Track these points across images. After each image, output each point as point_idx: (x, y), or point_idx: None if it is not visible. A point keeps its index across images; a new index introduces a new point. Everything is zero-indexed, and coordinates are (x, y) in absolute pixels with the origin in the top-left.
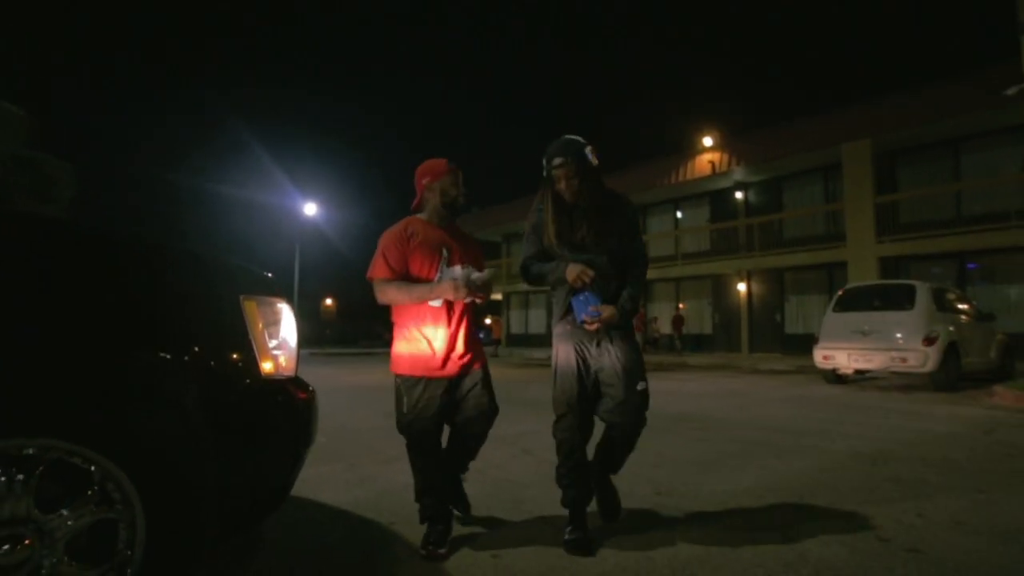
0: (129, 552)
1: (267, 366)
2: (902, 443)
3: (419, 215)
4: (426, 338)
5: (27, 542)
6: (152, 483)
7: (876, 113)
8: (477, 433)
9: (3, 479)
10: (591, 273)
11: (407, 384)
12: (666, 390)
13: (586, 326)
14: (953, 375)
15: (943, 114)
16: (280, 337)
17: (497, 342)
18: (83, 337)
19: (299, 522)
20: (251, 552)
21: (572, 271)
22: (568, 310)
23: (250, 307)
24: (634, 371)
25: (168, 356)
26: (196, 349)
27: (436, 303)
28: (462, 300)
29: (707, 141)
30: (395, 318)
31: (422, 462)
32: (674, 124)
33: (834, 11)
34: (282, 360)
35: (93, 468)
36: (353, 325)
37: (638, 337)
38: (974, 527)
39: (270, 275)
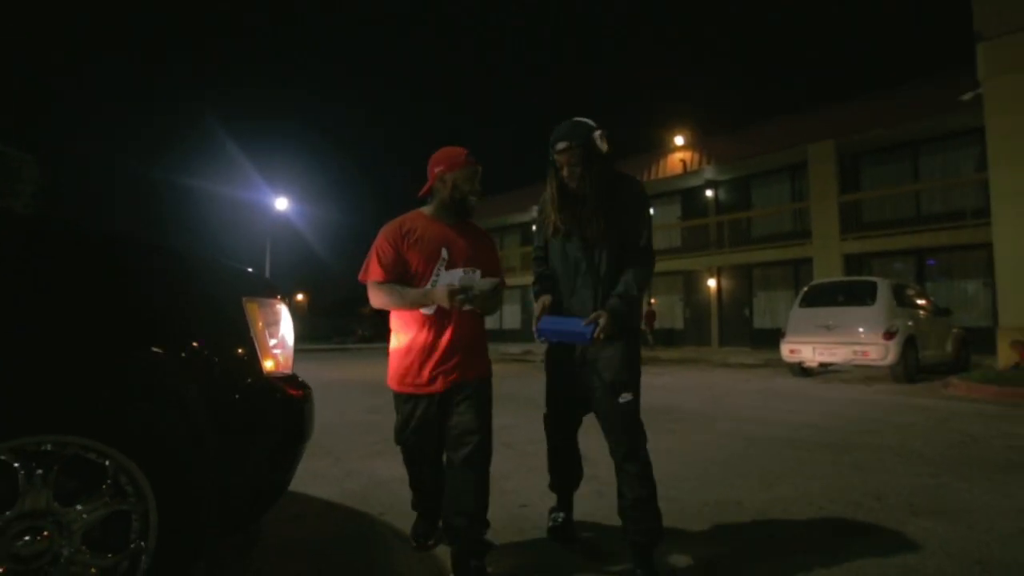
0: (142, 543)
1: (268, 364)
2: (863, 432)
3: (424, 208)
4: (415, 349)
5: (46, 534)
6: (164, 476)
7: (840, 116)
8: (462, 462)
9: (23, 474)
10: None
11: (398, 401)
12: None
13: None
14: (912, 368)
15: (903, 117)
16: (279, 336)
17: None
18: (97, 337)
19: (292, 516)
20: (247, 546)
21: (538, 305)
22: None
23: (252, 308)
24: (617, 381)
25: (177, 355)
26: (203, 349)
27: (428, 310)
28: (456, 309)
29: (679, 140)
30: (391, 325)
31: (416, 472)
32: (647, 124)
33: (802, 18)
34: (281, 359)
35: (107, 463)
36: (325, 321)
37: (649, 337)
38: (926, 508)
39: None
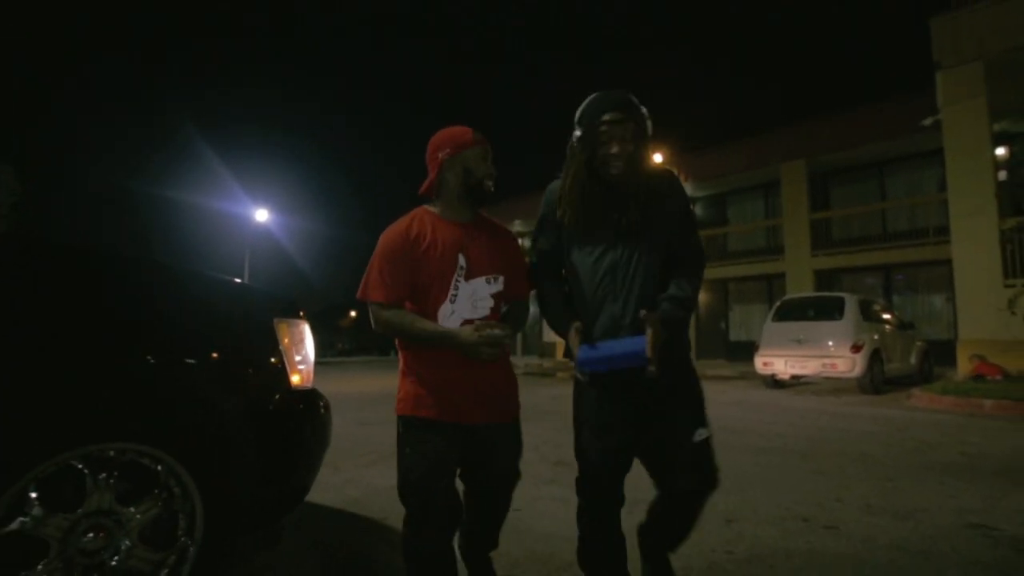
0: (187, 539)
1: (295, 379)
2: (828, 440)
3: (430, 206)
4: (449, 363)
5: (107, 531)
6: (209, 479)
7: (810, 136)
8: (501, 502)
9: (90, 477)
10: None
11: (411, 427)
12: None
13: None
14: (878, 379)
15: (870, 139)
16: (303, 353)
17: None
18: (153, 355)
19: (297, 520)
20: (256, 551)
21: (572, 335)
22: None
23: (281, 327)
24: (690, 414)
25: (220, 371)
26: (242, 365)
27: (453, 322)
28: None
29: (657, 157)
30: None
31: (427, 536)
32: None
33: (775, 40)
34: (305, 373)
35: (159, 467)
36: None
37: None
38: (881, 508)
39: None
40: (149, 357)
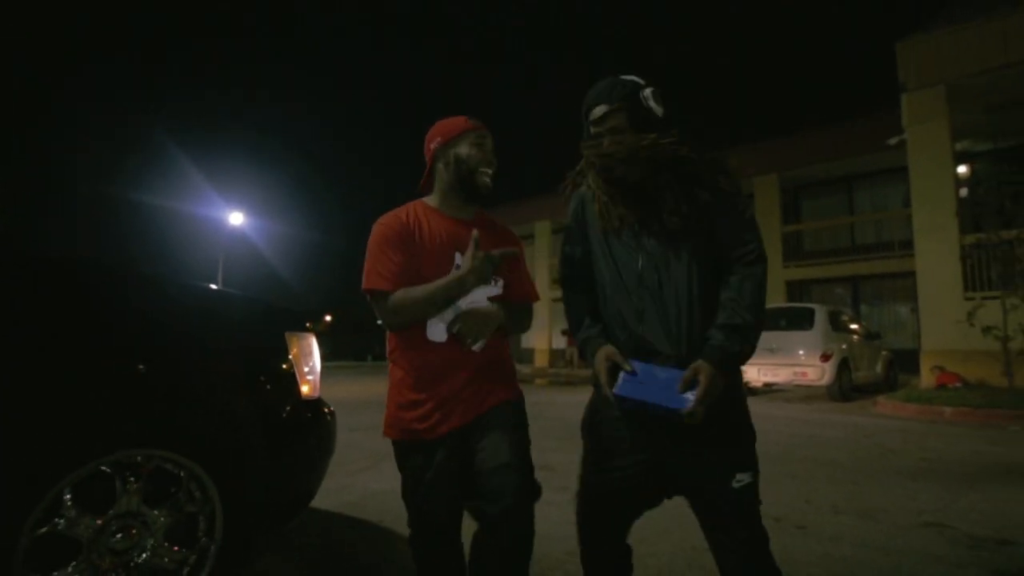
0: (207, 539)
1: (304, 389)
2: (799, 446)
3: (426, 199)
4: (421, 380)
5: (135, 531)
6: (228, 484)
7: (782, 151)
8: (498, 523)
9: (119, 482)
10: (618, 360)
11: (399, 451)
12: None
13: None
14: (846, 387)
15: (839, 155)
16: (311, 364)
17: None
18: (177, 367)
19: (297, 524)
20: (260, 554)
21: (600, 361)
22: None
23: (292, 341)
24: (728, 457)
25: (238, 383)
26: (259, 377)
27: (439, 336)
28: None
29: None
30: (388, 349)
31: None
32: None
33: (749, 60)
34: (313, 383)
35: (182, 473)
36: None
37: None
38: (847, 509)
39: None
40: (173, 369)
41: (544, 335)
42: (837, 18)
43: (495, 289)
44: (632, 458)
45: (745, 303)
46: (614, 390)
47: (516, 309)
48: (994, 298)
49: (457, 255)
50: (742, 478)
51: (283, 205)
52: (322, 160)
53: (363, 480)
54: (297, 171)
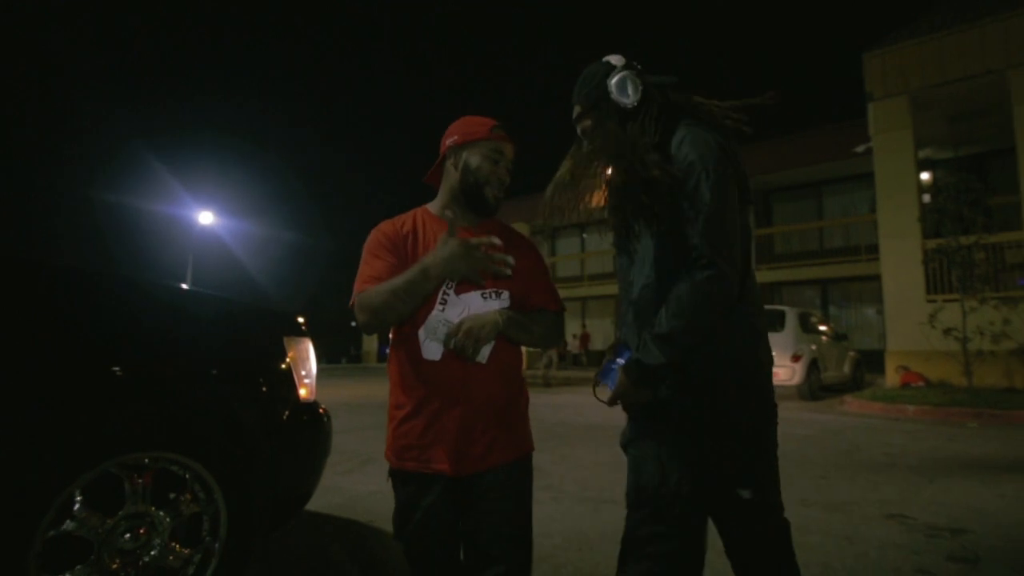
0: (211, 539)
1: (302, 392)
2: None
3: (429, 204)
4: (423, 407)
5: (143, 531)
6: (232, 485)
7: (754, 157)
8: None
9: (128, 484)
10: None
11: (396, 482)
12: (576, 403)
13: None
14: (815, 387)
15: (809, 161)
16: (307, 368)
17: None
18: (183, 371)
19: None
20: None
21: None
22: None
23: (290, 344)
24: (734, 461)
25: (241, 387)
26: (260, 381)
27: (433, 354)
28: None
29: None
30: (389, 368)
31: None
32: None
33: (722, 67)
34: (310, 387)
35: (187, 475)
36: None
37: (583, 359)
38: (815, 501)
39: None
40: (179, 373)
41: None
42: (807, 29)
43: (498, 302)
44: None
45: (671, 311)
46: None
47: (532, 319)
48: (954, 301)
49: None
50: (743, 492)
51: (257, 205)
52: (299, 159)
53: (349, 483)
54: (273, 170)
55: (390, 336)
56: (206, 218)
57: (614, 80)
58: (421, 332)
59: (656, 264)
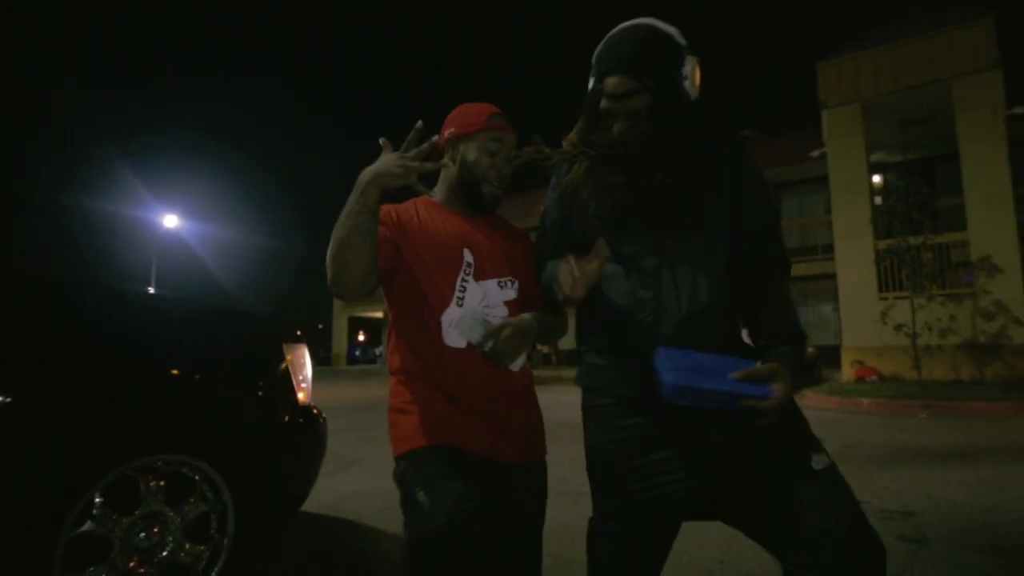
0: (219, 536)
1: (300, 395)
2: None
3: (431, 193)
4: (443, 389)
5: (156, 530)
6: (239, 485)
7: None
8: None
9: (143, 485)
10: (593, 270)
11: (424, 464)
12: (548, 403)
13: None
14: None
15: (767, 165)
16: (304, 373)
17: None
18: (192, 379)
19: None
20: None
21: (565, 274)
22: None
23: (289, 350)
24: (795, 441)
25: (246, 392)
26: (262, 386)
27: (458, 341)
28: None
29: None
30: (390, 355)
31: None
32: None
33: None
34: (307, 391)
35: (197, 477)
36: None
37: (553, 358)
38: None
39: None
40: (190, 381)
41: None
42: (765, 39)
43: (510, 292)
44: (667, 477)
45: (793, 310)
46: (668, 380)
47: (554, 323)
48: (904, 298)
49: (466, 251)
50: (820, 459)
51: (224, 208)
52: (270, 161)
53: (334, 484)
54: (243, 174)
55: (390, 330)
56: (171, 221)
57: (688, 66)
58: (445, 319)
59: (716, 260)
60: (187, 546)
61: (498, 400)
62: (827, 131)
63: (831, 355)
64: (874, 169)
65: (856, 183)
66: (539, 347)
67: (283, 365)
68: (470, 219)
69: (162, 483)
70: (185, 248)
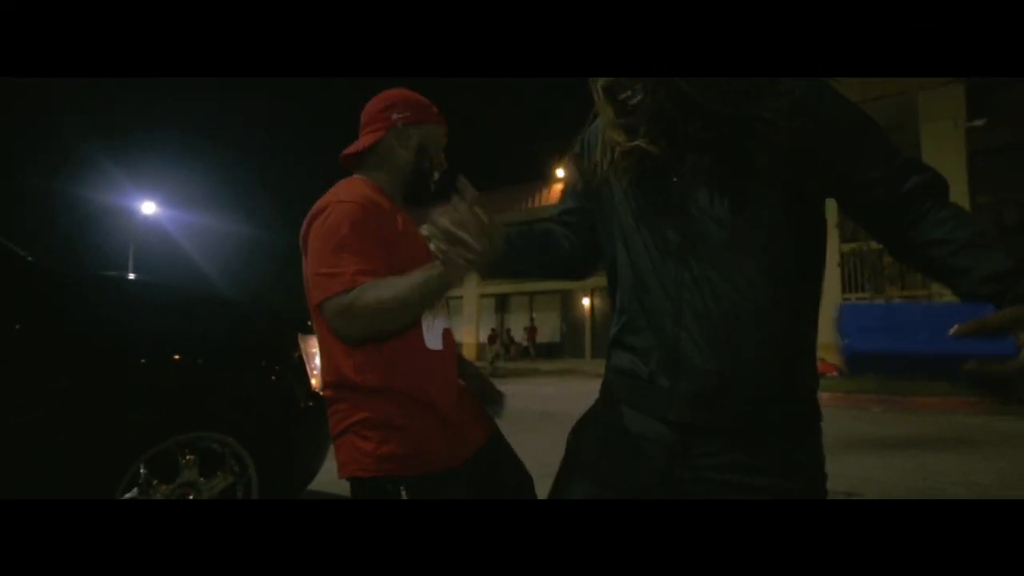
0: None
1: (313, 382)
2: None
3: (363, 175)
4: (431, 401)
5: (191, 497)
6: (263, 461)
7: None
8: None
9: (180, 458)
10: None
11: (421, 493)
12: (527, 393)
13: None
14: None
15: None
16: (315, 362)
17: None
18: (226, 361)
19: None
20: None
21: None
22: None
23: (304, 340)
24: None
25: (270, 377)
26: (283, 373)
27: (437, 343)
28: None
29: (560, 172)
30: (357, 375)
31: None
32: (529, 152)
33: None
34: (319, 377)
35: (224, 450)
36: None
37: (531, 350)
38: None
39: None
40: (225, 368)
41: (472, 329)
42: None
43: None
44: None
45: (1001, 240)
46: (851, 346)
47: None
48: (865, 299)
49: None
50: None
51: (204, 195)
52: (252, 152)
53: (328, 465)
54: (225, 163)
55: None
56: (148, 208)
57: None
58: (424, 323)
59: (781, 227)
60: None
61: (461, 395)
62: None
63: None
64: None
65: None
66: (517, 342)
67: (298, 353)
68: (407, 209)
69: (196, 457)
70: (164, 235)
